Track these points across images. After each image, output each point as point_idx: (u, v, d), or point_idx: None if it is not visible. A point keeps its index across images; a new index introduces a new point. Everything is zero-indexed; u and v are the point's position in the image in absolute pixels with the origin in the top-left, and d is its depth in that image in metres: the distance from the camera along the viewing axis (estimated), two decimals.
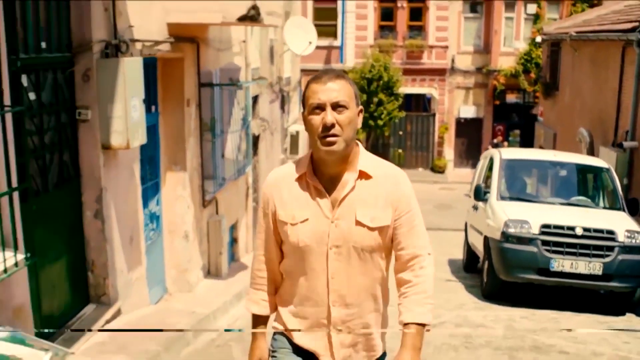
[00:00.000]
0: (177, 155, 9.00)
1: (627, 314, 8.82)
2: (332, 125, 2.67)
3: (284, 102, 16.69)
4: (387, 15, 30.01)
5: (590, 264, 8.49)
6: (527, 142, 27.62)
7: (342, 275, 2.79)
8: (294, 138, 17.50)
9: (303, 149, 17.26)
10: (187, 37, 8.77)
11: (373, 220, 2.76)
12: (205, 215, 9.93)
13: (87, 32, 6.15)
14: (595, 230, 8.63)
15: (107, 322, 6.50)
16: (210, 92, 9.91)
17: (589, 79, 15.30)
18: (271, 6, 11.88)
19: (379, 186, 2.79)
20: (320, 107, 2.69)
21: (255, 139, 13.50)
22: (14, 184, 4.76)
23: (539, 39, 21.62)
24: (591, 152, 14.06)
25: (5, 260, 4.58)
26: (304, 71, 21.06)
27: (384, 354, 2.97)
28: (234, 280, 10.07)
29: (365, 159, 2.82)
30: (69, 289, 6.24)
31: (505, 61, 29.07)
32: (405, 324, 2.74)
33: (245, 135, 11.98)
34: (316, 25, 27.29)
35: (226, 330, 7.55)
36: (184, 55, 8.81)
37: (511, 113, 30.30)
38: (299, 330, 2.92)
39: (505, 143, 28.42)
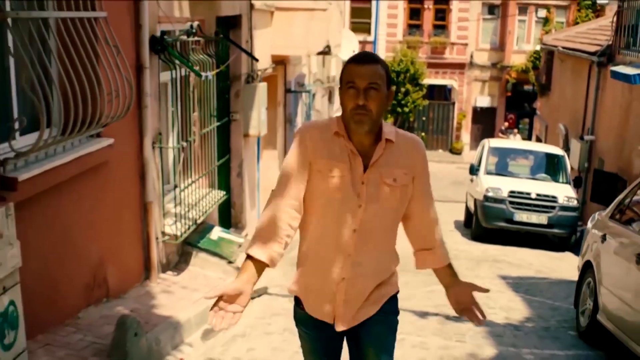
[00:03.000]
0: (271, 140, 13.55)
1: (566, 252, 13.30)
2: (363, 105, 2.85)
3: (331, 95, 21.21)
4: (414, 15, 34.00)
5: (539, 216, 13.04)
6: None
7: (364, 229, 2.97)
8: None
9: None
10: (280, 60, 13.25)
11: (397, 180, 2.98)
12: None
13: (238, 69, 10.65)
14: (544, 195, 13.18)
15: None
16: (290, 95, 14.45)
17: (569, 84, 19.65)
18: (336, 40, 16.37)
19: (401, 150, 3.00)
20: (355, 87, 2.85)
21: None
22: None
23: (538, 47, 25.79)
24: (566, 142, 18.45)
25: (218, 195, 9.18)
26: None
27: (386, 305, 3.15)
28: None
29: (388, 129, 3.02)
30: (223, 217, 10.81)
31: (517, 58, 32.79)
32: (437, 269, 3.20)
33: None
34: (352, 23, 31.71)
35: None
36: (277, 73, 13.31)
37: (522, 103, 34.44)
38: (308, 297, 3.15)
39: (515, 130, 32.30)
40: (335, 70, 22.16)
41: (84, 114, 5.17)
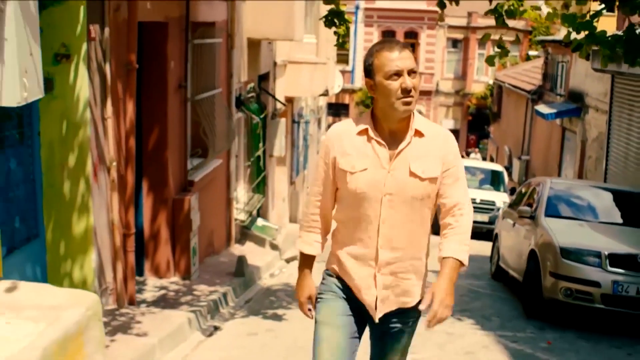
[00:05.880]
0: (282, 159, 17.93)
1: None
2: (411, 89, 2.99)
3: (320, 121, 25.69)
4: None
5: (482, 216, 17.57)
6: None
7: (392, 221, 3.08)
8: None
9: None
10: (289, 99, 17.65)
11: (424, 172, 3.06)
12: (290, 189, 18.87)
13: (269, 109, 15.04)
14: (486, 200, 17.73)
15: None
16: (294, 125, 18.88)
17: (513, 114, 24.35)
18: (332, 83, 20.92)
19: (431, 143, 3.10)
20: (398, 74, 2.99)
21: (307, 147, 22.48)
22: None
23: (491, 81, 30.55)
24: (510, 161, 23.09)
25: (259, 197, 13.54)
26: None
27: (419, 302, 3.20)
28: None
29: (419, 120, 3.14)
30: (257, 215, 15.13)
31: (477, 87, 37.51)
32: (444, 258, 3.09)
33: (305, 146, 20.98)
34: None
35: None
36: (287, 108, 17.70)
37: (482, 126, 39.10)
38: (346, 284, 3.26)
39: (476, 150, 37.13)
40: (322, 101, 26.69)
41: (215, 146, 9.54)
